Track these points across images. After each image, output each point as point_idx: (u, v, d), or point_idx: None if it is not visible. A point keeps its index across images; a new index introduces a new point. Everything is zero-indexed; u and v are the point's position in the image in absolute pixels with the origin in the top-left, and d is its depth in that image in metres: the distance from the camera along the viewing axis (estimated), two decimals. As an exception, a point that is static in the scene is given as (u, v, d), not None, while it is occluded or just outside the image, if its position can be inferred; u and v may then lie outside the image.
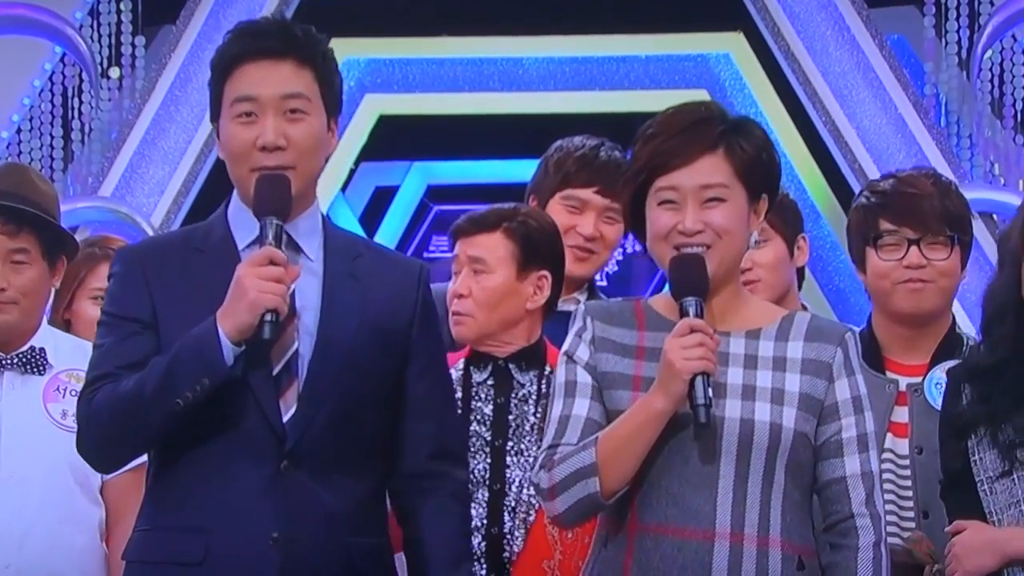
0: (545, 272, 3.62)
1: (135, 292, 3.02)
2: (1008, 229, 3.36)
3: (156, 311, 3.00)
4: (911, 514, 3.50)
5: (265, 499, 2.95)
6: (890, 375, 3.60)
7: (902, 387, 3.58)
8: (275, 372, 2.97)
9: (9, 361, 3.60)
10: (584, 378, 2.97)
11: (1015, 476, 3.22)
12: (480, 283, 3.59)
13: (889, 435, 3.53)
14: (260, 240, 2.95)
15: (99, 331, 3.08)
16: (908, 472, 3.52)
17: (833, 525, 2.95)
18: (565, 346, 3.01)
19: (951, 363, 3.49)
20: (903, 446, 3.55)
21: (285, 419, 2.96)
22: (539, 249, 3.62)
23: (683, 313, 2.88)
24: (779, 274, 3.89)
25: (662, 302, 3.00)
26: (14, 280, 3.57)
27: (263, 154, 2.97)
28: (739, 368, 2.92)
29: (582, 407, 2.96)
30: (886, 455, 3.48)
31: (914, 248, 3.58)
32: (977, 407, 3.28)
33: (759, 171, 2.97)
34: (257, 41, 3.02)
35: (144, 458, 3.11)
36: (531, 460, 3.46)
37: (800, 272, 4.00)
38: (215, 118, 3.05)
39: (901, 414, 3.57)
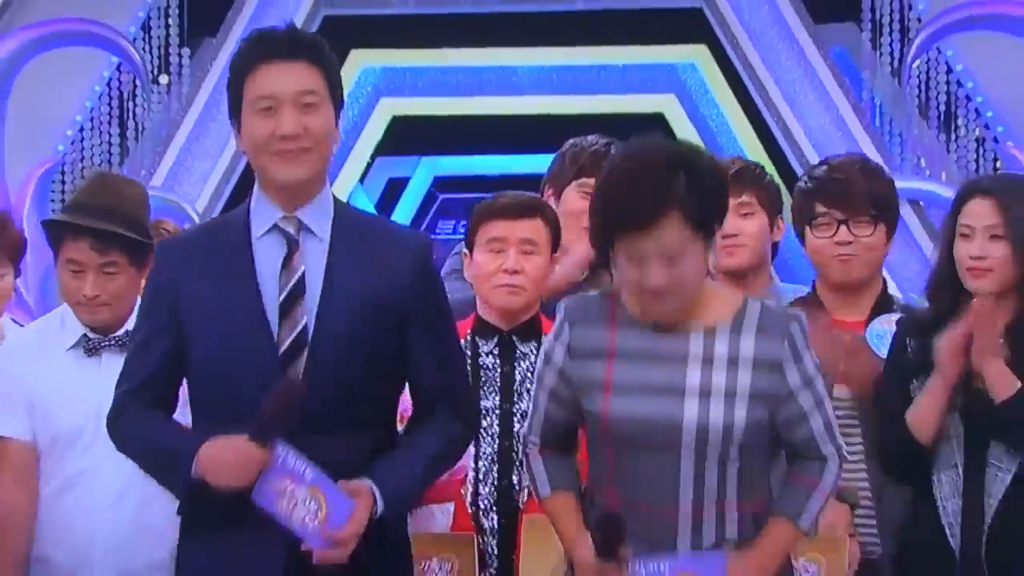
0: (557, 254, 3.77)
1: (160, 294, 3.13)
2: (943, 219, 3.60)
3: (180, 307, 3.09)
4: (859, 457, 3.65)
5: None
6: (835, 331, 3.73)
7: (847, 340, 3.72)
8: (282, 350, 3.04)
9: (107, 343, 3.71)
10: (551, 381, 3.09)
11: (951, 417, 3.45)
12: (532, 262, 3.68)
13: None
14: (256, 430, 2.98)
15: (136, 316, 3.28)
16: (855, 415, 3.68)
17: (803, 460, 3.08)
18: (545, 345, 3.12)
19: (887, 316, 3.71)
20: (844, 392, 3.70)
21: None
22: (559, 234, 3.78)
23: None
24: (761, 243, 4.02)
25: (632, 299, 3.03)
26: (106, 287, 3.68)
27: (284, 141, 3.04)
28: (697, 367, 3.00)
29: (546, 408, 3.12)
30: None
31: (843, 227, 3.75)
32: (919, 357, 3.48)
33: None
34: (271, 46, 3.08)
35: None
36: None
37: (774, 247, 4.15)
38: (235, 115, 3.11)
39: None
